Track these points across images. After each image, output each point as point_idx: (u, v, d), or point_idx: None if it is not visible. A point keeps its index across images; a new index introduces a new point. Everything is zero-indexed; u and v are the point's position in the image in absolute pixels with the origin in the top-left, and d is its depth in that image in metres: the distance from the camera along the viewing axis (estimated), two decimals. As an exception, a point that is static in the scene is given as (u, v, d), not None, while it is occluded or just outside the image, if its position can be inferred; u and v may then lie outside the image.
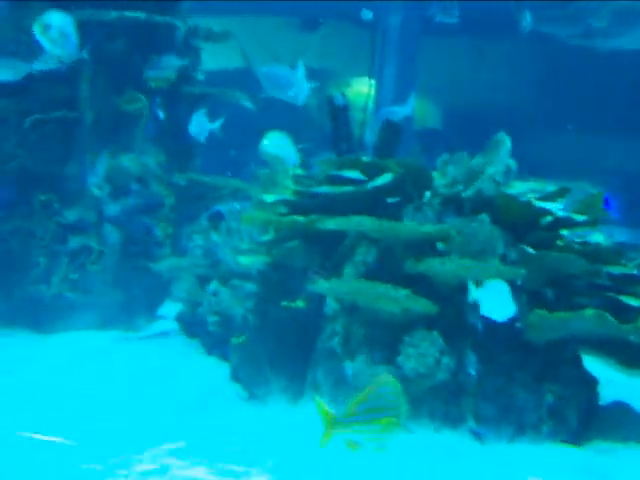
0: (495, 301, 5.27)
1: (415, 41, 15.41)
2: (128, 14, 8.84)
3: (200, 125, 8.63)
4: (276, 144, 6.80)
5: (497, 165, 6.01)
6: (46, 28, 7.24)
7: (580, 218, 5.79)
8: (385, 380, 4.05)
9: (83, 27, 8.44)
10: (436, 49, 15.76)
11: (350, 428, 3.90)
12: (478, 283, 5.40)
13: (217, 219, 8.07)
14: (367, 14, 11.82)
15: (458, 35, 14.05)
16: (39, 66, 8.13)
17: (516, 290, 5.44)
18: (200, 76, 9.84)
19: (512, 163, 6.18)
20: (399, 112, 6.88)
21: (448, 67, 15.83)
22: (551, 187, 6.12)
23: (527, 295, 5.64)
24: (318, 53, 15.54)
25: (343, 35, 16.06)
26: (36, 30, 7.25)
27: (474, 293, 5.41)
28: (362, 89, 15.06)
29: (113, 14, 8.75)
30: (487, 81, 15.88)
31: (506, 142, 6.18)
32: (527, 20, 12.06)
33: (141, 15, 8.94)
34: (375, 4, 13.61)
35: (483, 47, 15.48)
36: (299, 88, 6.77)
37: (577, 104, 14.52)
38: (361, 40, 14.81)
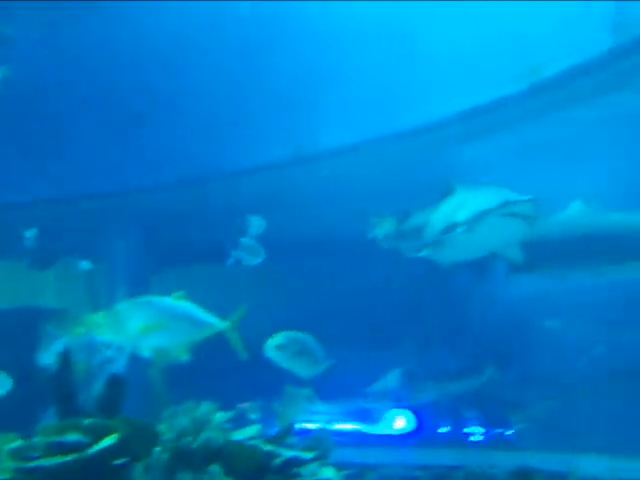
0: None
1: (143, 276, 15.10)
2: None
3: None
4: None
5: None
6: None
7: (309, 455, 5.76)
8: None
9: None
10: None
11: None
12: None
13: None
14: (86, 265, 11.79)
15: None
16: None
17: None
18: None
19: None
20: (118, 363, 6.69)
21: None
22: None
23: None
24: (54, 292, 15.16)
25: (78, 272, 15.77)
26: None
27: None
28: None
29: None
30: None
31: None
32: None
33: None
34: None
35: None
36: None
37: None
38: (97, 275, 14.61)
